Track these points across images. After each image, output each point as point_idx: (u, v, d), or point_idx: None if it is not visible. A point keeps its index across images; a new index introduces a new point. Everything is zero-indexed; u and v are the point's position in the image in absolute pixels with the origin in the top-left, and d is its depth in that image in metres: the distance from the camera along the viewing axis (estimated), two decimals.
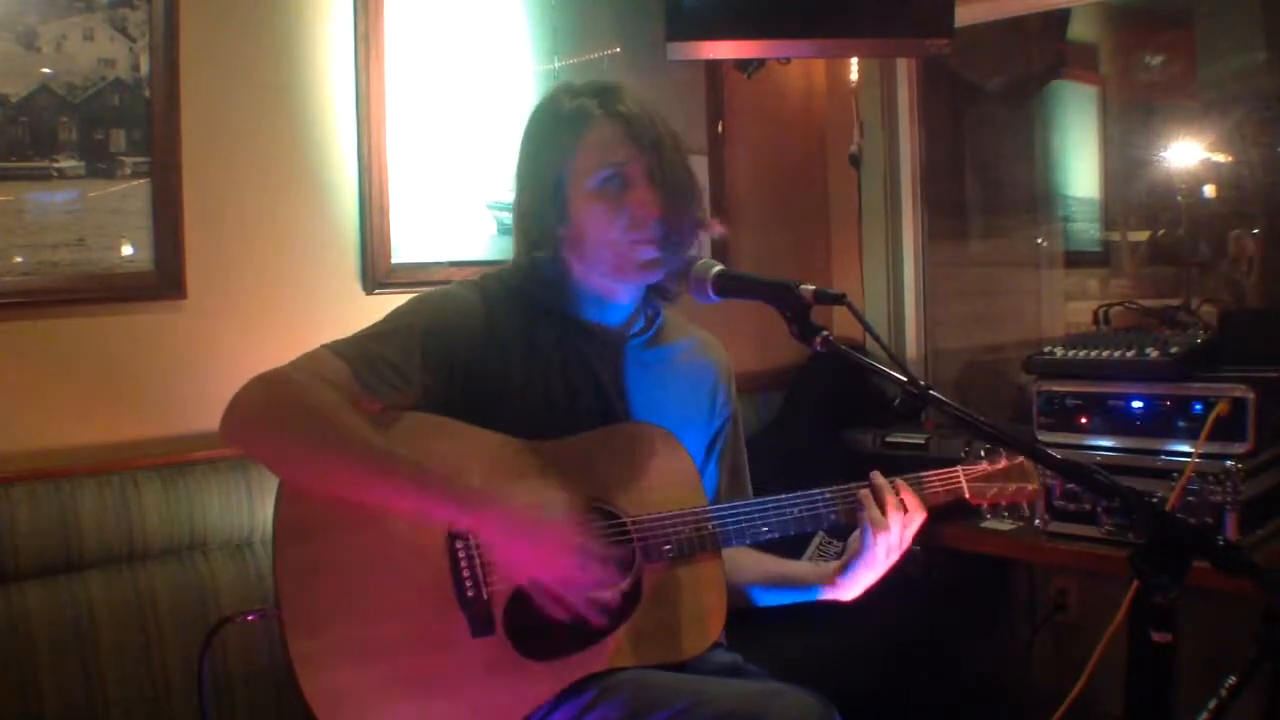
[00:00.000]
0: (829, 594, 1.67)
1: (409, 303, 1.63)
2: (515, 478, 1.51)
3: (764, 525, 1.59)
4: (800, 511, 1.61)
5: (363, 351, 1.50)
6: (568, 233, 1.60)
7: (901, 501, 1.61)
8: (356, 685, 1.40)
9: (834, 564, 1.66)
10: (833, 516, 1.62)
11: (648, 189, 1.57)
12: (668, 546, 1.54)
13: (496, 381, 1.58)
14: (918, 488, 1.66)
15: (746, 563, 1.75)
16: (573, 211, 1.59)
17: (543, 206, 1.61)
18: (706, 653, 1.59)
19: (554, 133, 1.62)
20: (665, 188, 1.58)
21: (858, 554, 1.62)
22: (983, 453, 1.75)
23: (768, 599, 1.75)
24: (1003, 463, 1.74)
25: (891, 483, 1.64)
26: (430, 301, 1.63)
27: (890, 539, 1.60)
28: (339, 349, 1.51)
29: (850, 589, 1.65)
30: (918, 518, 1.63)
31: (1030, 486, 1.76)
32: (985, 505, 1.73)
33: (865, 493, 1.62)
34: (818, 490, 1.62)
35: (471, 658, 1.44)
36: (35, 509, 1.86)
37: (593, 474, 1.56)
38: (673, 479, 1.61)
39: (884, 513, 1.60)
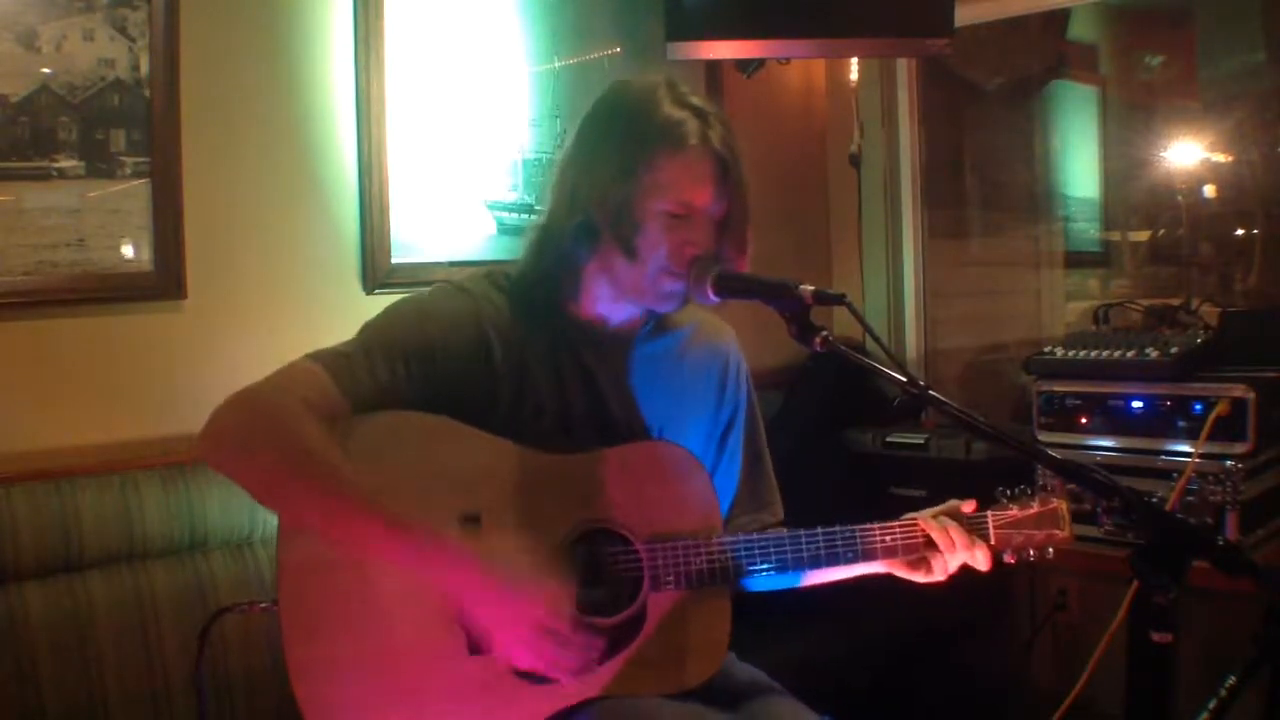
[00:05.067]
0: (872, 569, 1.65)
1: (395, 306, 1.58)
2: (510, 495, 1.48)
3: (779, 560, 1.55)
4: (820, 549, 1.57)
5: (346, 361, 1.47)
6: (618, 221, 1.52)
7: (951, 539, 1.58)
8: (350, 695, 1.39)
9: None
10: (849, 555, 1.58)
11: (705, 232, 1.53)
12: (677, 576, 1.52)
13: (483, 388, 1.54)
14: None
15: None
16: (629, 207, 1.52)
17: (610, 185, 1.52)
18: None
19: (647, 133, 1.53)
20: (723, 235, 1.54)
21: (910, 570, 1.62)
22: (1011, 496, 1.66)
23: (809, 579, 1.68)
24: (1034, 509, 1.65)
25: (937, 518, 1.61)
26: (417, 306, 1.58)
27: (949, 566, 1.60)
28: (322, 359, 1.47)
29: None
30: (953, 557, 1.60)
31: (1061, 534, 1.65)
32: (1010, 551, 1.63)
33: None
34: (837, 529, 1.58)
35: (466, 675, 1.43)
36: (35, 509, 1.86)
37: (606, 494, 1.53)
38: (691, 505, 1.56)
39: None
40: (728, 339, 1.75)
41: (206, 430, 1.42)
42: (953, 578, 1.62)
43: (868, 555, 1.58)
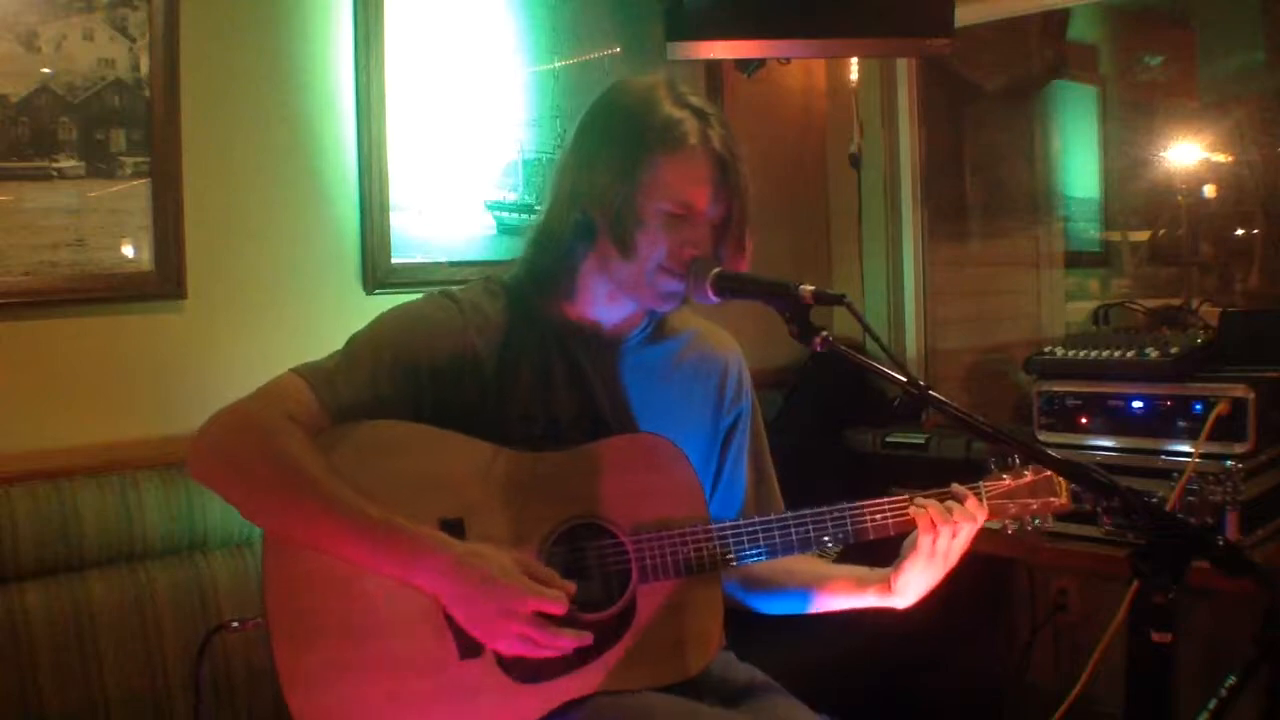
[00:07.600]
0: (884, 600, 1.61)
1: (381, 317, 1.58)
2: (492, 497, 1.47)
3: (768, 545, 1.54)
4: (810, 530, 1.55)
5: (328, 375, 1.47)
6: (616, 219, 1.52)
7: (948, 509, 1.55)
8: (342, 703, 1.39)
9: (886, 570, 1.60)
10: (840, 535, 1.57)
11: (704, 232, 1.52)
12: (665, 566, 1.51)
13: (469, 396, 1.53)
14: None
15: (800, 565, 1.67)
16: (628, 206, 1.51)
17: (609, 184, 1.52)
18: None
19: (646, 133, 1.52)
20: (722, 236, 1.54)
21: (909, 559, 1.56)
22: (1004, 466, 1.65)
23: (817, 604, 1.67)
24: (1027, 477, 1.63)
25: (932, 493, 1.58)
26: (402, 317, 1.58)
27: (939, 544, 1.54)
28: (305, 374, 1.48)
29: (905, 596, 1.59)
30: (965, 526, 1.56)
31: (1058, 501, 1.63)
32: (1007, 521, 1.62)
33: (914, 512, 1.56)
34: (826, 508, 1.57)
35: (458, 679, 1.42)
36: (35, 509, 1.86)
37: (589, 489, 1.52)
38: (675, 494, 1.56)
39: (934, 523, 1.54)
40: (728, 348, 1.74)
41: (194, 447, 1.44)
42: (955, 574, 1.60)
43: (859, 534, 1.56)
